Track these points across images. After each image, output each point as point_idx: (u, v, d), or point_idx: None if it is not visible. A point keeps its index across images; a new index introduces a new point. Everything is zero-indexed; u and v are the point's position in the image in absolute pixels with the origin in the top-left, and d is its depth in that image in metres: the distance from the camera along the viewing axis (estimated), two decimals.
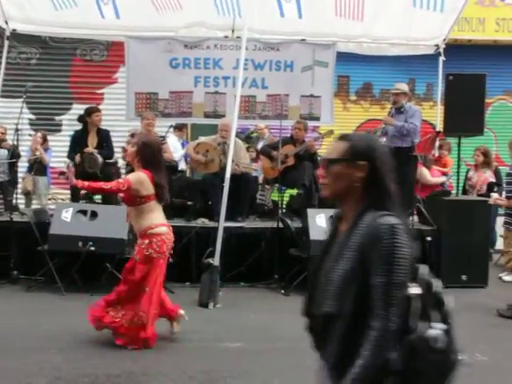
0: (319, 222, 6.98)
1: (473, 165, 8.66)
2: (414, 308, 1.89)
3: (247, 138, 10.33)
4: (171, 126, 8.48)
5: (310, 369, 4.59)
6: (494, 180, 8.51)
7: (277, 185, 8.27)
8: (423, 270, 1.98)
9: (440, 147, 9.30)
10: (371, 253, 1.87)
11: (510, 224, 6.28)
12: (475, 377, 4.64)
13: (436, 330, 1.90)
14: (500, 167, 11.26)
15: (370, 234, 1.89)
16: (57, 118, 11.22)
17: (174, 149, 9.37)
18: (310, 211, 7.16)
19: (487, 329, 5.95)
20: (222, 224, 6.82)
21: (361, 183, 1.99)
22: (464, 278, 7.43)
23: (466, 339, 5.67)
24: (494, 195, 6.80)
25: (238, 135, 8.37)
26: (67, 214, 6.95)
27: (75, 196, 7.95)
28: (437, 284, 1.97)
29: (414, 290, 1.91)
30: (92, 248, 6.67)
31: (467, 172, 8.95)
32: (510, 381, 4.58)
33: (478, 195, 8.38)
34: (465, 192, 8.53)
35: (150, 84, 8.71)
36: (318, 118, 9.07)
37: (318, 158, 8.55)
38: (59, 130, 11.11)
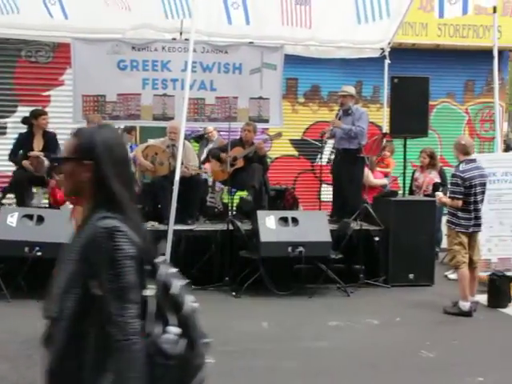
0: (269, 223, 7.01)
1: (418, 166, 8.85)
2: (150, 310, 1.83)
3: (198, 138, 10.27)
4: (119, 129, 8.37)
5: (259, 371, 4.64)
6: (439, 180, 8.71)
7: (225, 187, 8.27)
8: (162, 270, 1.92)
9: (383, 149, 9.47)
10: (92, 256, 1.81)
11: (452, 223, 6.42)
12: (422, 373, 4.76)
13: (170, 334, 1.84)
14: (444, 168, 11.58)
15: (90, 237, 1.83)
16: (1, 120, 10.93)
17: None
18: (259, 213, 7.18)
19: (433, 326, 6.09)
20: (172, 227, 6.78)
21: (88, 183, 1.93)
22: (411, 276, 7.58)
23: (412, 336, 5.85)
24: (439, 194, 6.97)
25: (186, 138, 8.34)
26: (13, 219, 6.74)
27: (21, 200, 7.75)
28: (176, 285, 1.91)
29: (149, 291, 1.85)
30: (39, 253, 6.50)
31: (413, 173, 9.14)
32: (455, 377, 4.70)
33: (424, 195, 8.57)
34: (411, 192, 8.71)
35: (98, 86, 8.57)
36: (267, 121, 9.11)
37: (268, 160, 8.62)
38: (4, 133, 10.82)
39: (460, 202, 6.32)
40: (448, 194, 6.53)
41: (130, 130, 9.80)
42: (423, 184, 8.62)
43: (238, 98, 8.89)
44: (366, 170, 8.44)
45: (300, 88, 12.59)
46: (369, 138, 8.43)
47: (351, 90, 8.44)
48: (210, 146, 9.61)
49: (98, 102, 8.63)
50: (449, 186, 6.55)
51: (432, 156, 8.78)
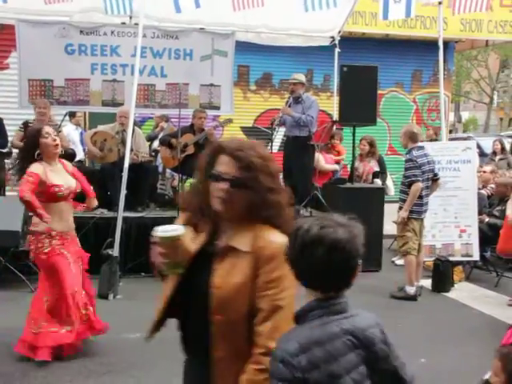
0: None
1: (358, 155, 8.89)
2: None
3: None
4: (66, 114, 8.21)
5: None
6: (378, 169, 8.81)
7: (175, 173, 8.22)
8: None
9: (332, 137, 9.58)
10: None
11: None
12: None
13: None
14: (393, 156, 11.83)
15: None
16: None
17: (71, 138, 9.14)
18: None
19: (380, 310, 6.18)
20: (121, 214, 6.73)
21: None
22: (360, 262, 7.71)
23: None
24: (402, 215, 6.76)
25: (136, 124, 8.25)
26: None
27: None
28: None
29: None
30: None
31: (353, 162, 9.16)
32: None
33: None
34: (353, 181, 8.70)
35: (45, 70, 8.36)
36: (217, 108, 9.09)
37: None
38: None
39: (420, 184, 6.44)
40: (405, 179, 6.57)
41: (73, 113, 9.65)
42: (363, 173, 8.70)
43: (188, 85, 8.82)
44: (317, 155, 8.50)
45: (251, 75, 12.62)
46: (319, 126, 8.51)
47: (302, 77, 8.50)
48: (160, 133, 9.56)
49: (45, 86, 8.43)
50: (405, 173, 6.60)
51: (372, 144, 8.84)
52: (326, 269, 1.80)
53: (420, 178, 6.44)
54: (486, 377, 2.75)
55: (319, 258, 1.77)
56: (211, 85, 8.93)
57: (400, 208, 6.66)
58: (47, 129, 4.61)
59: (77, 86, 8.48)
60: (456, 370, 4.63)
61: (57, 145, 4.59)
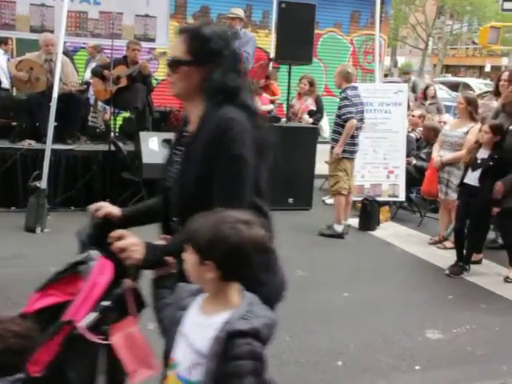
0: (152, 145, 6.94)
1: (297, 93, 8.90)
2: None
3: None
4: None
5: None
6: (314, 108, 8.85)
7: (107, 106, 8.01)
8: None
9: (267, 77, 9.52)
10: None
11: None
12: (296, 290, 5.04)
13: None
14: (329, 97, 11.89)
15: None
16: None
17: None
18: (142, 134, 7.08)
19: (309, 247, 6.41)
20: (50, 146, 6.54)
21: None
22: (291, 201, 7.84)
23: (289, 257, 6.10)
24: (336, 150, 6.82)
25: (66, 53, 7.93)
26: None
27: None
28: None
29: None
30: None
31: (291, 100, 9.18)
32: (324, 293, 5.01)
33: (299, 122, 8.70)
34: (289, 119, 8.74)
35: None
36: (153, 40, 8.81)
37: (153, 81, 8.40)
38: None
39: (355, 121, 6.53)
40: (339, 118, 6.62)
41: (5, 40, 9.18)
42: (299, 111, 8.73)
43: (123, 14, 8.48)
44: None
45: (189, 8, 12.26)
46: (255, 63, 8.43)
47: (240, 12, 8.35)
48: (93, 64, 9.23)
49: None
50: (339, 111, 6.64)
51: (312, 83, 8.85)
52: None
53: (355, 116, 6.54)
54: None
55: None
56: (146, 15, 8.62)
57: (332, 148, 6.77)
58: None
59: (1, 8, 8.00)
60: (377, 304, 4.85)
61: None
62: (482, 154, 5.50)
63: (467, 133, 6.22)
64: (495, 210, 5.39)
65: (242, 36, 8.05)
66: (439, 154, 6.50)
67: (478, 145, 5.57)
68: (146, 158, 6.82)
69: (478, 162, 5.50)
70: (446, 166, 6.37)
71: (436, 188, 6.57)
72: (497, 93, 6.78)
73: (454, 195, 6.20)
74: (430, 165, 6.84)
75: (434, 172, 6.58)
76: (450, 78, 28.43)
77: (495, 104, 6.55)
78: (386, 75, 28.59)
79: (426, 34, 40.67)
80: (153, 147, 6.92)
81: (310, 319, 4.40)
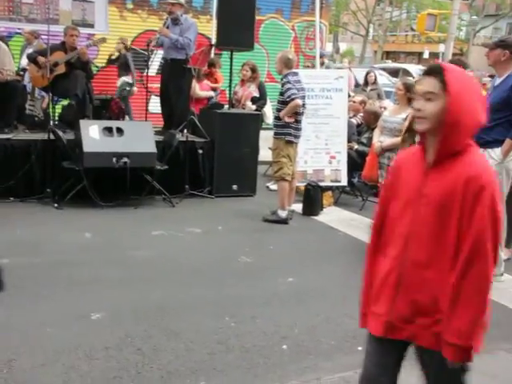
0: (93, 133, 6.82)
1: (240, 80, 8.90)
2: None
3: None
4: None
5: (83, 280, 4.63)
6: (257, 95, 8.86)
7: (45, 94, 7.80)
8: None
9: (211, 65, 9.49)
10: None
11: (283, 134, 6.64)
12: (240, 277, 5.07)
13: None
14: (271, 84, 11.91)
15: None
16: None
17: None
18: (82, 122, 6.94)
19: (253, 233, 6.44)
20: None
21: None
22: (235, 187, 7.87)
23: (233, 243, 6.14)
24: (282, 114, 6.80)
25: (1, 38, 7.67)
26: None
27: None
28: None
29: None
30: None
31: (234, 86, 9.18)
32: (269, 279, 5.05)
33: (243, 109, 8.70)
34: (232, 106, 8.75)
35: None
36: (91, 25, 8.67)
37: (93, 68, 8.23)
38: None
39: (299, 101, 6.55)
40: (282, 103, 6.63)
41: None
42: (242, 98, 8.72)
43: None
44: (194, 82, 8.40)
45: None
46: (197, 50, 8.36)
47: None
48: (30, 50, 8.96)
49: None
50: (281, 97, 6.64)
51: (254, 69, 8.83)
52: None
53: (299, 97, 6.55)
54: None
55: None
56: (84, 0, 8.45)
57: (276, 134, 6.78)
58: None
59: None
60: (321, 287, 4.92)
61: None
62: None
63: (406, 119, 6.36)
64: None
65: (183, 22, 7.97)
66: (379, 139, 6.61)
67: (410, 132, 5.69)
68: (87, 147, 6.70)
69: None
70: (386, 151, 6.49)
71: (376, 173, 6.67)
72: None
73: None
74: (370, 150, 6.95)
75: (374, 157, 6.68)
76: (390, 64, 28.90)
77: None
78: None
79: (367, 20, 41.25)
80: (93, 135, 6.80)
81: (256, 305, 4.44)
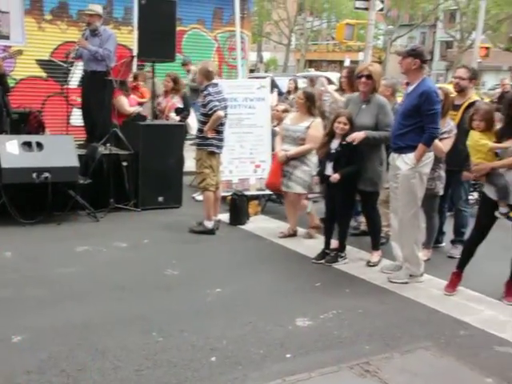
0: (11, 148, 6.61)
1: (163, 91, 8.84)
2: None
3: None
4: None
5: (5, 301, 4.47)
6: (181, 106, 8.83)
7: None
8: None
9: (135, 78, 9.39)
10: None
11: (205, 145, 6.63)
12: (167, 290, 5.03)
13: None
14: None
15: None
16: None
17: None
18: (0, 137, 6.71)
19: (179, 245, 6.40)
20: None
21: None
22: (160, 199, 7.79)
23: (159, 256, 6.08)
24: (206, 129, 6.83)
25: None
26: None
27: None
28: None
29: None
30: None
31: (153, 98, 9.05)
32: (197, 290, 5.03)
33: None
34: (156, 117, 8.65)
35: None
36: (7, 37, 8.40)
37: (9, 81, 7.98)
38: None
39: (222, 113, 6.55)
40: (205, 116, 6.62)
41: None
42: (165, 109, 8.66)
43: None
44: (123, 98, 8.28)
45: (46, 4, 11.71)
46: (118, 61, 8.27)
47: (98, 8, 8.13)
48: None
49: None
50: (203, 109, 6.63)
51: (175, 80, 8.79)
52: None
53: (220, 108, 6.57)
54: None
55: None
56: None
57: (198, 145, 6.79)
58: None
59: None
60: (249, 296, 4.95)
61: None
62: (335, 144, 5.78)
63: (309, 127, 6.48)
64: (335, 176, 5.67)
65: (102, 33, 7.87)
66: (282, 147, 6.66)
67: (330, 136, 5.82)
68: (5, 162, 6.49)
69: (332, 151, 5.77)
70: (291, 160, 6.55)
71: (279, 181, 6.69)
72: (342, 89, 7.02)
73: (297, 187, 6.50)
74: (274, 158, 6.98)
75: (277, 166, 6.69)
76: (312, 72, 29.45)
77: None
78: (252, 70, 29.14)
79: (289, 30, 41.95)
80: (12, 151, 6.59)
81: (183, 318, 4.41)
